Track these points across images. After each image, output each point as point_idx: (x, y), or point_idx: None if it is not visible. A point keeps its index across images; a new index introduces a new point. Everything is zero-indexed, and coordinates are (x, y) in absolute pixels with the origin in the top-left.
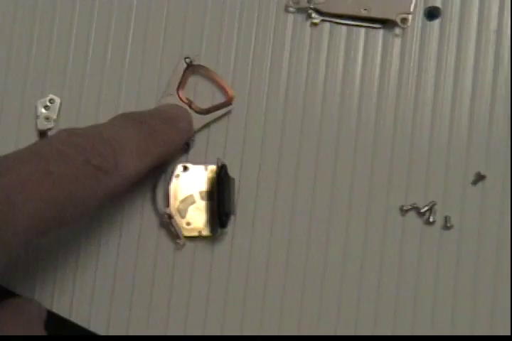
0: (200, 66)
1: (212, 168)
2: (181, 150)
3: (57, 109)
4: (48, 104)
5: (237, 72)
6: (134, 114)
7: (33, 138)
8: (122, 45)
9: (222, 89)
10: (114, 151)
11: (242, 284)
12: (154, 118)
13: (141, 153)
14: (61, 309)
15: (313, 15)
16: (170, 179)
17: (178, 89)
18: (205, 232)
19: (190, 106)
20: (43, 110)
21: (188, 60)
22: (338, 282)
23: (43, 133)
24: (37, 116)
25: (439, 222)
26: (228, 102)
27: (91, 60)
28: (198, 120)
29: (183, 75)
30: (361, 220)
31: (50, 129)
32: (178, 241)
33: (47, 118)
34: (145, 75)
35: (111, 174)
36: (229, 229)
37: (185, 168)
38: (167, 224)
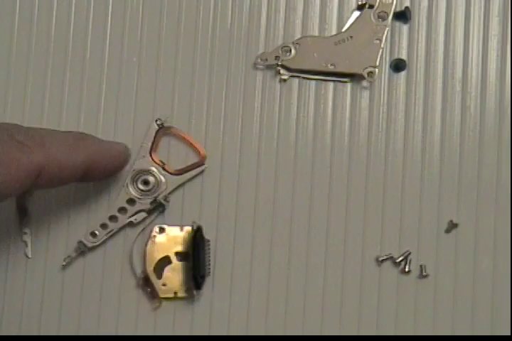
0: (171, 127)
1: (188, 228)
2: (156, 209)
3: None
4: None
5: (210, 131)
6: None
7: (11, 203)
8: (95, 109)
9: (194, 149)
10: (41, 135)
11: None
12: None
13: (69, 147)
14: None
15: (282, 71)
16: (146, 240)
17: (150, 151)
18: (181, 293)
19: (163, 168)
20: None
21: (158, 122)
22: (318, 333)
23: (19, 197)
24: None
25: (415, 271)
26: (201, 162)
27: (65, 120)
28: (172, 181)
29: (155, 137)
30: (338, 271)
31: (27, 193)
32: (154, 301)
33: None
34: (119, 138)
35: (34, 149)
36: (206, 290)
37: (162, 230)
38: (143, 285)
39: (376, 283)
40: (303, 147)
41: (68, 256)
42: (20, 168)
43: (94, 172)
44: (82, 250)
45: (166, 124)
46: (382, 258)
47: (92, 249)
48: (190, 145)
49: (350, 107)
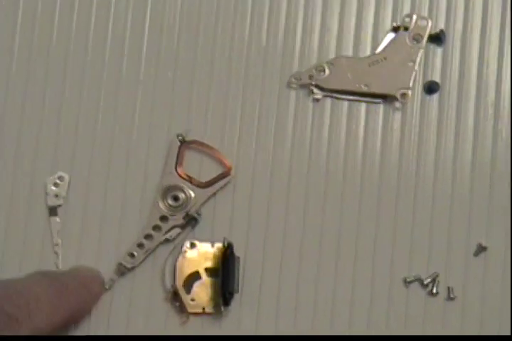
0: (193, 141)
1: (219, 245)
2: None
3: (66, 187)
4: (58, 181)
5: (242, 148)
6: (49, 272)
7: (43, 215)
8: (129, 122)
9: (219, 160)
10: (27, 303)
11: None
12: (68, 278)
13: (53, 307)
14: None
15: (315, 91)
16: (177, 255)
17: (176, 166)
18: (209, 309)
19: (190, 182)
20: (53, 187)
21: (180, 138)
22: None
23: (52, 210)
24: (46, 193)
25: (443, 293)
26: (227, 173)
27: (99, 137)
28: (201, 194)
29: (179, 152)
30: (366, 291)
31: (59, 206)
32: (182, 316)
33: (56, 195)
34: (151, 153)
35: (22, 323)
36: (234, 307)
37: (193, 245)
38: (172, 299)
39: (403, 304)
40: (334, 166)
41: (111, 279)
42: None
43: (77, 319)
44: (123, 271)
45: (188, 138)
46: (410, 280)
47: (132, 269)
48: (215, 156)
49: (382, 128)
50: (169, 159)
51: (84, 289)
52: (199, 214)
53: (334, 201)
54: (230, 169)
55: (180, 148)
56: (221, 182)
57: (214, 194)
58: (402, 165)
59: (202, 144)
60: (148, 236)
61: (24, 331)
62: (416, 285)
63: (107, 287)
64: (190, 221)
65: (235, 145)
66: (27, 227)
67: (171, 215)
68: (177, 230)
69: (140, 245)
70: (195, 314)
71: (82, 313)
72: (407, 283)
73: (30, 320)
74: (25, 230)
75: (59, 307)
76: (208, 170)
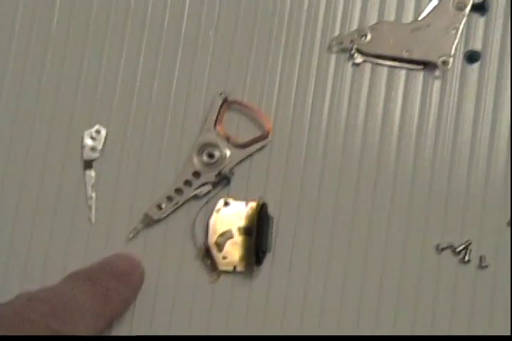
0: (235, 101)
1: (253, 204)
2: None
3: (103, 140)
4: (95, 134)
5: (280, 109)
6: (87, 273)
7: (78, 168)
8: (169, 78)
9: (259, 121)
10: (72, 316)
11: (278, 323)
12: (107, 276)
13: (96, 316)
14: None
15: (356, 55)
16: (211, 212)
17: (215, 124)
18: (240, 267)
19: (228, 141)
20: (89, 140)
21: (223, 96)
22: (374, 322)
23: (88, 164)
24: (83, 147)
25: (474, 261)
26: (266, 135)
27: (138, 92)
28: (236, 154)
29: (220, 110)
30: (397, 258)
31: (95, 159)
32: (213, 274)
33: (92, 149)
34: (189, 109)
35: (68, 335)
36: (265, 266)
37: (226, 203)
38: (204, 257)
39: (435, 271)
40: (370, 131)
41: (134, 228)
42: None
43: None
44: (148, 222)
45: (230, 98)
46: (442, 247)
47: (158, 221)
48: (256, 117)
49: (420, 95)
50: (209, 116)
51: (125, 286)
52: (232, 174)
53: (369, 165)
54: (269, 132)
55: (221, 106)
56: (258, 144)
57: (250, 155)
58: (439, 133)
59: (243, 104)
60: (178, 190)
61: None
62: (448, 252)
63: (131, 235)
64: (222, 180)
65: (273, 109)
66: (61, 180)
67: (203, 172)
68: (208, 187)
69: (169, 198)
70: (226, 272)
71: (125, 310)
72: (439, 250)
73: (75, 331)
74: (59, 183)
75: (103, 314)
76: (245, 132)
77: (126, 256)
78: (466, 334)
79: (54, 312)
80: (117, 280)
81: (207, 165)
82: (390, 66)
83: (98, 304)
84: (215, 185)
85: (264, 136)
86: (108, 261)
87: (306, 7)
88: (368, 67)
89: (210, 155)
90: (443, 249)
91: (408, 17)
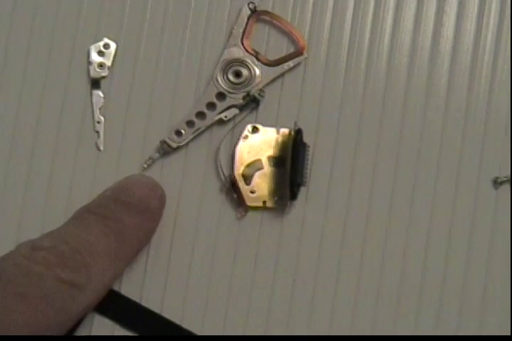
0: (265, 12)
1: (285, 131)
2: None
3: (112, 55)
4: (103, 49)
5: (315, 22)
6: (97, 207)
7: (84, 86)
8: None
9: (292, 37)
10: (84, 262)
11: (312, 266)
12: (120, 207)
13: (114, 258)
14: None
15: None
16: (237, 140)
17: (242, 38)
18: (270, 203)
19: (257, 58)
20: (97, 56)
21: (251, 6)
22: (421, 262)
23: (95, 82)
24: (89, 63)
25: None
26: (300, 52)
27: (152, 0)
28: (267, 73)
29: (247, 23)
30: (451, 191)
31: (103, 78)
32: (240, 210)
33: (101, 66)
34: (211, 22)
35: (85, 289)
36: (299, 201)
37: (255, 129)
38: (229, 190)
39: (492, 207)
40: (419, 49)
41: (149, 158)
42: (70, 315)
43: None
44: (166, 151)
45: (259, 8)
46: (500, 180)
47: (177, 149)
48: (288, 32)
49: (479, 6)
50: (236, 29)
51: (143, 217)
52: (262, 96)
53: (418, 88)
54: (303, 48)
55: (249, 18)
56: (291, 62)
57: (282, 74)
58: (498, 52)
59: (275, 16)
60: (200, 114)
61: (88, 296)
62: (506, 187)
63: (145, 166)
64: (251, 102)
65: (308, 21)
66: (64, 102)
67: (229, 93)
68: (234, 111)
69: (189, 123)
70: (255, 208)
71: (144, 246)
72: (497, 184)
73: (91, 283)
74: (62, 105)
75: (120, 255)
76: (276, 47)
77: (141, 179)
78: None
79: (62, 261)
80: (134, 211)
81: (233, 85)
82: None
83: (114, 244)
84: (242, 108)
85: (298, 53)
86: (120, 187)
87: None
88: None
89: (237, 74)
90: (501, 183)
91: None
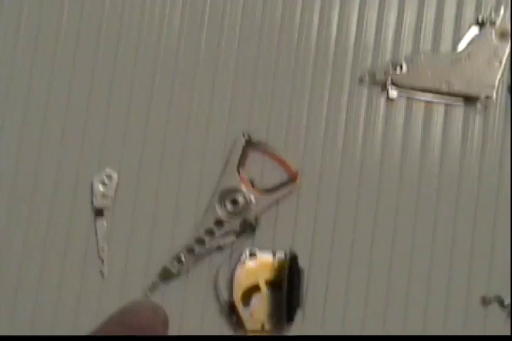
0: (258, 143)
1: (280, 255)
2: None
3: (114, 186)
4: (105, 180)
5: (308, 150)
6: (106, 331)
7: (88, 217)
8: (185, 118)
9: (284, 165)
10: None
11: None
12: (127, 333)
13: None
14: None
15: (391, 91)
16: (235, 265)
17: (238, 167)
18: (268, 326)
19: (252, 186)
20: (100, 186)
21: (246, 137)
22: None
23: (99, 212)
24: (93, 193)
25: None
26: (292, 179)
27: (151, 132)
28: (262, 201)
29: (243, 152)
30: (441, 310)
31: (106, 207)
32: (240, 332)
33: (104, 196)
34: (208, 151)
35: None
36: (296, 323)
37: (252, 254)
38: (229, 313)
39: (481, 325)
40: (407, 174)
41: (152, 283)
42: None
43: None
44: (167, 276)
45: (253, 138)
46: (489, 299)
47: (178, 275)
48: (279, 161)
49: (462, 132)
50: (231, 158)
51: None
52: (257, 222)
53: (407, 210)
54: (296, 176)
55: (244, 148)
56: (285, 189)
57: (277, 201)
58: (482, 174)
59: (267, 147)
60: (199, 241)
61: None
62: (495, 305)
63: (149, 292)
64: (247, 228)
65: (301, 150)
66: (70, 230)
67: (226, 220)
68: (232, 238)
69: (189, 250)
70: (254, 331)
71: None
72: (485, 302)
73: None
74: (67, 233)
75: None
76: (270, 175)
77: (145, 304)
78: None
79: None
80: (140, 336)
81: (230, 212)
82: (428, 101)
83: None
84: (239, 234)
85: (291, 180)
86: (126, 312)
87: (334, 37)
88: (403, 101)
89: (234, 202)
90: (489, 302)
91: (446, 46)
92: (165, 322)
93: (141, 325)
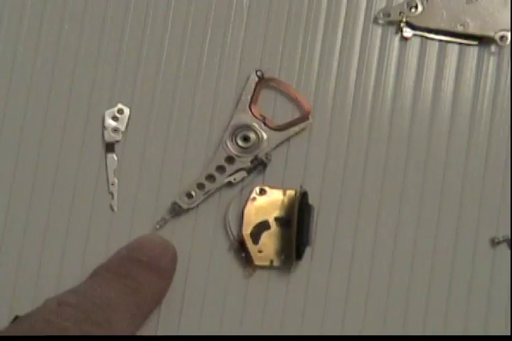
0: (272, 79)
1: (291, 192)
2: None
3: (126, 121)
4: (117, 114)
5: (320, 88)
6: (114, 267)
7: (99, 150)
8: (198, 54)
9: (298, 102)
10: (107, 318)
11: (317, 322)
12: (136, 266)
13: (133, 315)
14: None
15: (405, 29)
16: (245, 201)
17: (250, 104)
18: (277, 262)
19: (264, 123)
20: (111, 121)
21: (259, 73)
22: (422, 319)
23: (110, 146)
24: (104, 128)
25: None
26: (305, 117)
27: (164, 68)
28: (274, 137)
29: (255, 89)
30: (449, 251)
31: (117, 142)
32: (248, 268)
33: (115, 130)
34: (221, 88)
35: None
36: (304, 261)
37: (263, 191)
38: (238, 249)
39: (489, 266)
40: (419, 114)
41: (162, 219)
42: None
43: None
44: (177, 212)
45: (266, 75)
46: (497, 240)
47: (187, 210)
48: (294, 98)
49: (475, 73)
50: (244, 95)
51: (157, 276)
52: (269, 159)
53: (419, 151)
54: (308, 113)
55: (257, 84)
56: (297, 127)
57: (288, 138)
58: (495, 115)
59: (281, 83)
60: (209, 177)
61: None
62: (503, 246)
63: (158, 226)
64: (258, 165)
65: (313, 88)
66: (80, 164)
67: (238, 157)
68: (242, 173)
69: (200, 185)
70: (262, 267)
71: (159, 302)
72: (494, 243)
73: (112, 331)
74: (77, 168)
75: (138, 310)
76: (283, 113)
77: (154, 239)
78: None
79: (88, 317)
80: (148, 270)
81: (241, 149)
82: (442, 41)
83: (132, 301)
84: (250, 171)
85: (303, 118)
86: (135, 246)
87: None
88: (417, 41)
89: (245, 139)
90: (498, 243)
91: None
92: (173, 258)
93: (150, 258)
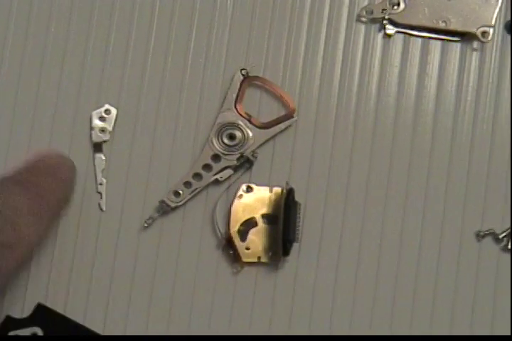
0: (257, 77)
1: (278, 190)
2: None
3: (113, 121)
4: (104, 115)
5: (305, 86)
6: (15, 176)
7: (87, 151)
8: (183, 54)
9: (283, 100)
10: (12, 223)
11: (305, 319)
12: (35, 175)
13: (37, 217)
14: None
15: (388, 26)
16: (232, 199)
17: (235, 102)
18: (264, 259)
19: (249, 121)
20: (99, 121)
21: (244, 72)
22: (409, 315)
23: (97, 146)
24: (92, 128)
25: None
26: (290, 114)
27: (150, 68)
28: (259, 135)
29: (240, 88)
30: (435, 244)
31: (105, 141)
32: (236, 265)
33: (102, 131)
34: (206, 87)
35: (16, 247)
36: (291, 257)
37: (249, 189)
38: (225, 246)
39: (475, 259)
40: (403, 109)
41: (150, 217)
42: (3, 272)
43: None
44: (165, 210)
45: (251, 74)
46: (483, 234)
47: (175, 208)
48: (279, 96)
49: (458, 69)
50: (229, 94)
51: (56, 182)
52: (255, 157)
53: (403, 146)
54: (293, 110)
55: (242, 83)
56: (283, 124)
57: (274, 136)
58: (478, 111)
59: (266, 81)
60: (196, 175)
61: (19, 252)
62: (489, 239)
63: (146, 225)
64: (244, 163)
65: (298, 86)
66: None
67: (224, 155)
68: (229, 171)
69: (187, 184)
70: (250, 264)
71: (62, 207)
72: (479, 236)
73: (21, 239)
74: None
75: (42, 214)
76: (268, 110)
77: (50, 152)
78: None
79: None
80: (47, 177)
81: (227, 147)
82: (425, 37)
83: (35, 205)
84: (236, 169)
85: (288, 116)
86: (32, 159)
87: None
88: (400, 38)
89: (231, 137)
90: (483, 236)
91: None
92: (72, 169)
93: (48, 166)
